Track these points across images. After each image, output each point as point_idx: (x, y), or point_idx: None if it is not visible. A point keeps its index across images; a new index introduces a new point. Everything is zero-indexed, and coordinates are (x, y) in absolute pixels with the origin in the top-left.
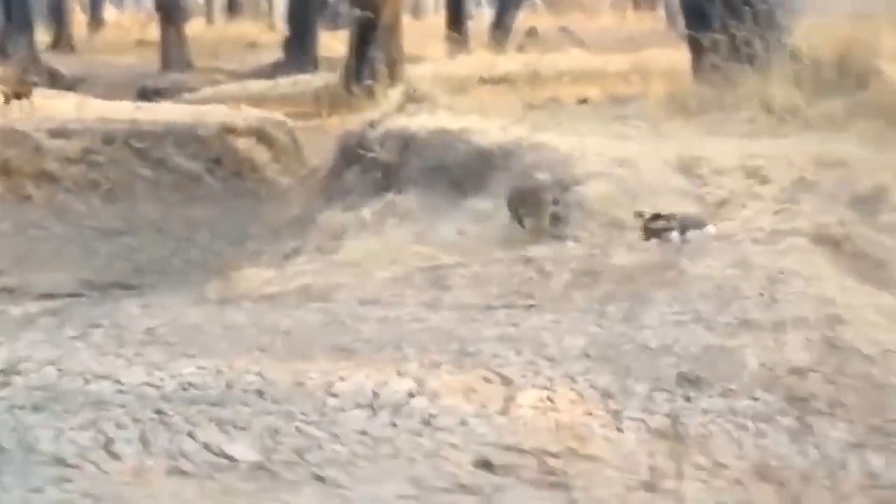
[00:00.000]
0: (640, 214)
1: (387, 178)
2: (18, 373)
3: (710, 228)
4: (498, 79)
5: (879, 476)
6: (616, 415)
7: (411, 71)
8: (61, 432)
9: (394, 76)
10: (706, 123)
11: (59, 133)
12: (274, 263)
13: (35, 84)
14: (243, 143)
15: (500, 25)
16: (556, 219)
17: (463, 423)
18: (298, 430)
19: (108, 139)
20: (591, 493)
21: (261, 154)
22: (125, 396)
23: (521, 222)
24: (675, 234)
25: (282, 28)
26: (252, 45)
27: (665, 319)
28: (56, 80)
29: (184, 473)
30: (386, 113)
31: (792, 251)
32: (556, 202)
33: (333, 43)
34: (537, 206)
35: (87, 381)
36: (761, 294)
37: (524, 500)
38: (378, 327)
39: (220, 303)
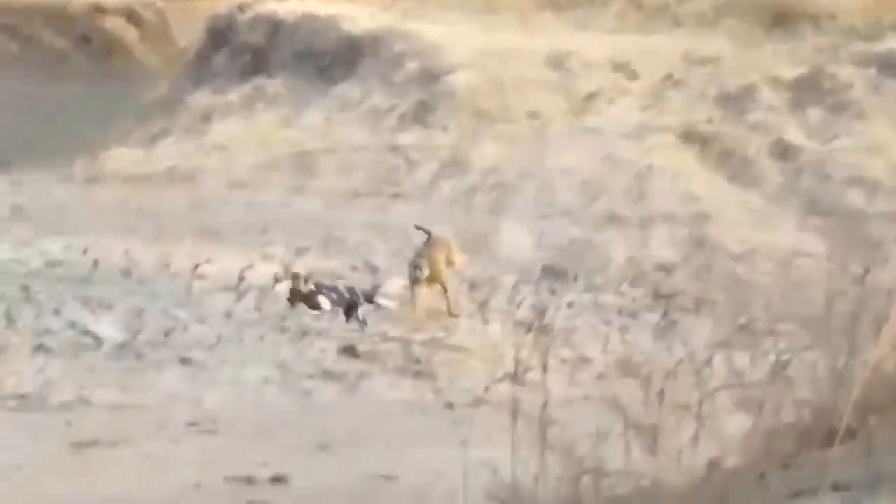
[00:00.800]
0: (295, 276)
1: (255, 62)
2: None
3: (383, 300)
4: None
5: (743, 374)
6: (482, 306)
7: None
8: None
9: None
10: (575, 17)
11: None
12: (141, 144)
13: None
14: (112, 22)
15: None
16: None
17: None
18: (164, 311)
19: None
20: (455, 383)
21: (130, 33)
22: None
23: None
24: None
25: None
26: None
27: (532, 212)
28: None
29: (49, 351)
30: None
31: (660, 147)
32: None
33: None
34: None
35: None
36: (628, 189)
37: (388, 387)
38: (244, 211)
39: (87, 181)
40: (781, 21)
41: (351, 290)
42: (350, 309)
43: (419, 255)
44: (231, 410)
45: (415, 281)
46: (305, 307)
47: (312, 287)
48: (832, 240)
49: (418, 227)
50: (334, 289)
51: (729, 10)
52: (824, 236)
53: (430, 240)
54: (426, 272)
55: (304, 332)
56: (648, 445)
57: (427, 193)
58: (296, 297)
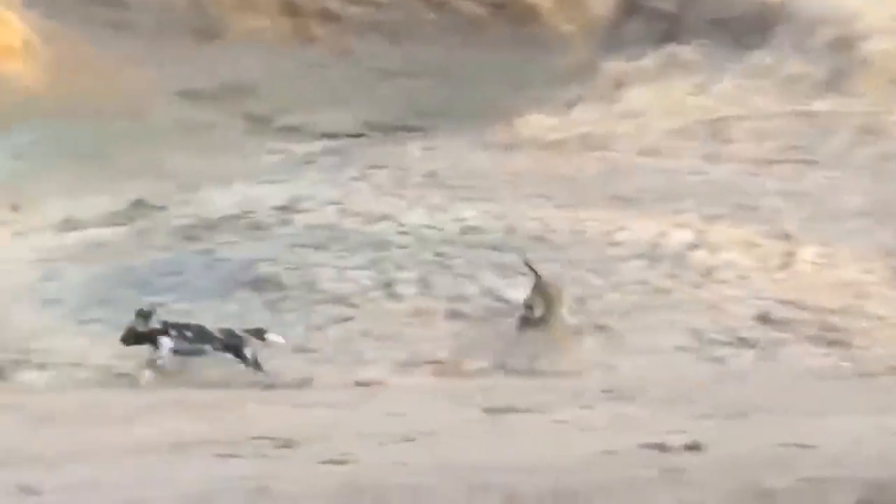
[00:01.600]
0: (138, 314)
1: (668, 29)
2: (300, 211)
3: (272, 337)
4: None
5: None
6: None
7: None
8: (342, 271)
9: None
10: None
11: None
12: (556, 110)
13: None
14: None
15: None
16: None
17: (743, 276)
18: (578, 278)
19: None
20: (870, 351)
21: (545, 0)
22: (406, 238)
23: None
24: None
25: None
26: None
27: None
28: None
29: (463, 316)
30: None
31: None
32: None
33: None
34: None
35: (368, 222)
36: None
37: (803, 355)
38: (658, 178)
39: (501, 148)
40: None
41: (229, 332)
42: (237, 350)
43: (534, 294)
44: (645, 378)
45: (525, 321)
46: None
47: (156, 326)
48: None
49: (528, 265)
50: (186, 328)
51: None
52: None
53: (539, 280)
54: (539, 312)
55: (719, 300)
56: None
57: (841, 161)
58: (130, 338)
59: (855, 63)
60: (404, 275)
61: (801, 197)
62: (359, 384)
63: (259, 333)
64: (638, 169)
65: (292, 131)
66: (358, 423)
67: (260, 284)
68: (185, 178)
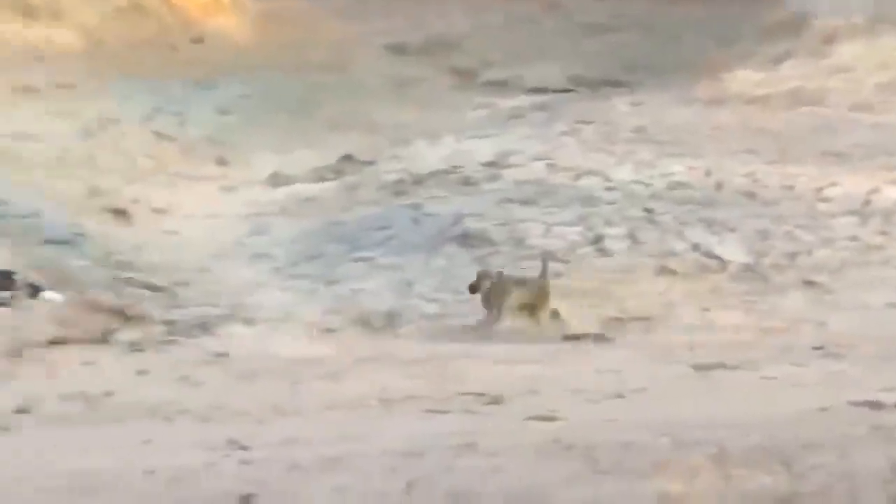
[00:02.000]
0: None
1: None
2: (508, 166)
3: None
4: None
5: None
6: None
7: None
8: (550, 227)
9: None
10: None
11: None
12: (764, 66)
13: None
14: None
15: None
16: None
17: None
18: (788, 233)
19: None
20: None
21: None
22: (614, 193)
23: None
24: None
25: None
26: None
27: None
28: None
29: (672, 273)
30: None
31: None
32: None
33: None
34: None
35: (576, 177)
36: None
37: None
38: (870, 133)
39: (709, 103)
40: None
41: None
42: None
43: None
44: (856, 334)
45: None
46: None
47: None
48: None
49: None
50: None
51: None
52: None
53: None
54: (483, 287)
55: None
56: None
57: None
58: None
59: None
60: (613, 231)
61: None
62: (567, 340)
63: (34, 290)
64: (849, 124)
65: (499, 86)
66: (566, 379)
67: (468, 240)
68: (392, 132)
